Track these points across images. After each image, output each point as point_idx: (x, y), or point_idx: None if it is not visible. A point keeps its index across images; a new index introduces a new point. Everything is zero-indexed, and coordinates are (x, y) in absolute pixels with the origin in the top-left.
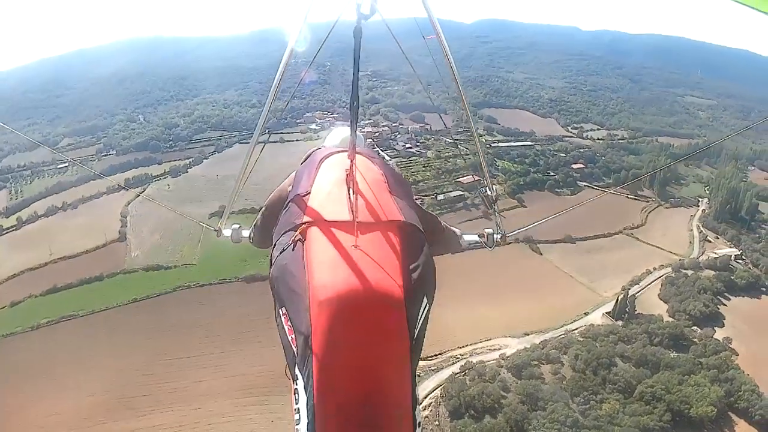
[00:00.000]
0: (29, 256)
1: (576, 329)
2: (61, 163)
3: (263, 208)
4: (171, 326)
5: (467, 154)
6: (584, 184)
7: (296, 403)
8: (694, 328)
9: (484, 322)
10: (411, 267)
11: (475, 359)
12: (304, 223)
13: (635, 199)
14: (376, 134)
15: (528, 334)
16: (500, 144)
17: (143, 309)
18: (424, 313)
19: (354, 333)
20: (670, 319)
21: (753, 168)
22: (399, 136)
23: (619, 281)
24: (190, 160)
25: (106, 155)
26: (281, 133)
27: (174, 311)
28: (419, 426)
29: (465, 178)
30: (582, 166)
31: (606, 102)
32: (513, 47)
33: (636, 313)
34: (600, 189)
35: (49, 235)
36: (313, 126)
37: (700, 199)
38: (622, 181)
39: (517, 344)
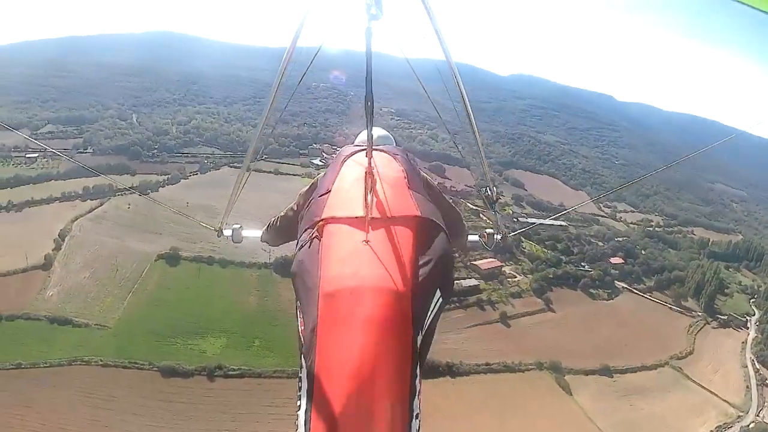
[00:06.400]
0: None
1: None
2: (30, 152)
3: (288, 209)
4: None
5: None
6: (623, 286)
7: (299, 390)
8: None
9: None
10: (423, 261)
11: None
12: (321, 220)
13: (680, 312)
14: None
15: None
16: (530, 221)
17: (22, 383)
18: (437, 307)
19: (355, 324)
20: None
21: None
22: None
23: None
24: (167, 177)
25: (81, 152)
26: (279, 162)
27: (57, 399)
28: (416, 417)
29: (484, 261)
30: (621, 261)
31: (640, 181)
32: (546, 107)
33: None
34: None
35: None
36: (316, 161)
37: (748, 318)
38: (664, 285)
39: None
